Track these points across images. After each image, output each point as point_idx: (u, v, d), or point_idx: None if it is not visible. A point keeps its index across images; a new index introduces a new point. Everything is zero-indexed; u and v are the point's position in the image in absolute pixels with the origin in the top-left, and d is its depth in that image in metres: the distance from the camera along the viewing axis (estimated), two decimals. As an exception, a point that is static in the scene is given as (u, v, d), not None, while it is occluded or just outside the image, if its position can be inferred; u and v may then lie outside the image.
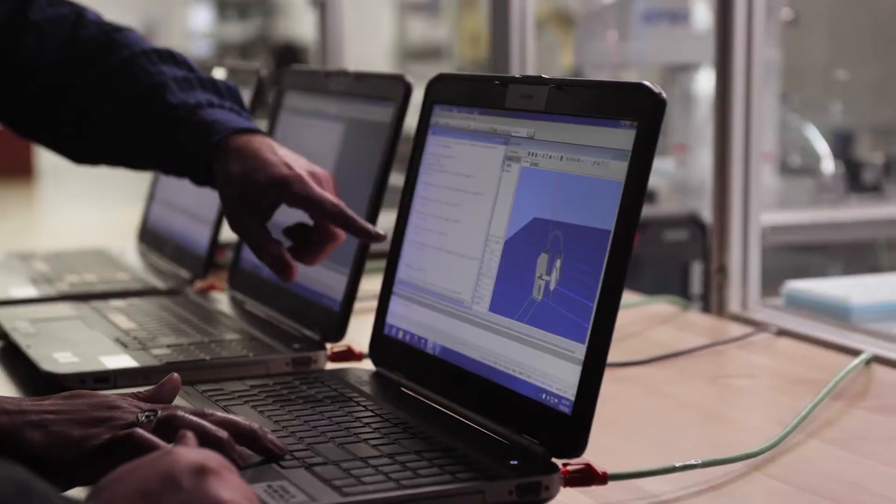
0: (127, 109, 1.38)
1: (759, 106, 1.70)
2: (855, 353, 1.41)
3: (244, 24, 12.93)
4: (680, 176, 2.87)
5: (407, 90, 1.36)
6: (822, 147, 2.93)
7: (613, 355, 1.42)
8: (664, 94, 0.99)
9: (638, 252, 2.60)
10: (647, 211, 2.72)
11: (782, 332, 1.57)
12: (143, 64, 1.39)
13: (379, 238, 1.26)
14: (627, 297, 1.77)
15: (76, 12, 1.43)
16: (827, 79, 4.15)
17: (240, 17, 13.06)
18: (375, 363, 1.27)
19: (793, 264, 2.67)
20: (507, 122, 1.15)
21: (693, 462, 1.04)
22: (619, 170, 1.01)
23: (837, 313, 1.61)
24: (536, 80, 1.13)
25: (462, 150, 1.21)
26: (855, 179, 2.78)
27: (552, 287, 1.05)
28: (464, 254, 1.16)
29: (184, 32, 13.65)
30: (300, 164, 1.28)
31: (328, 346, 1.37)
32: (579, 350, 1.01)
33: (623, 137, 1.01)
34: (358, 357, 1.36)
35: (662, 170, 3.18)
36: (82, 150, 1.45)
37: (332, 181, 1.30)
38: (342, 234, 1.29)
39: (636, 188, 0.99)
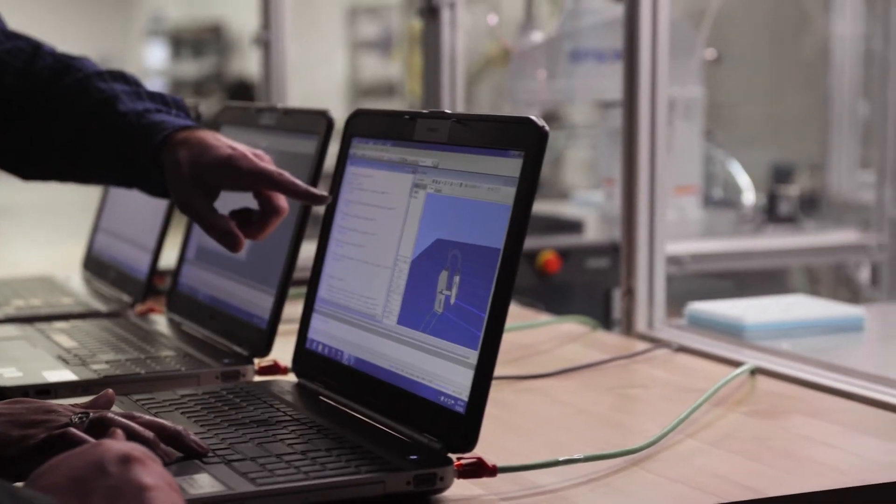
0: (80, 122, 1.49)
1: (663, 141, 1.83)
2: (751, 368, 1.53)
3: (199, 62, 13.04)
4: (608, 207, 3.00)
5: (329, 124, 1.48)
6: (744, 180, 3.07)
7: (521, 369, 1.55)
8: (547, 128, 1.12)
9: (564, 278, 2.74)
10: (573, 240, 2.85)
11: (682, 349, 1.70)
12: (96, 82, 1.50)
13: (324, 199, 1.36)
14: (540, 317, 1.90)
15: (33, 45, 1.54)
16: (749, 115, 4.31)
17: (194, 54, 13.18)
18: (298, 375, 1.38)
19: (713, 289, 2.80)
20: (415, 152, 1.27)
21: (576, 457, 1.16)
22: (508, 194, 1.13)
23: (733, 331, 1.74)
24: (440, 115, 1.25)
25: (376, 178, 1.33)
26: (773, 211, 2.92)
27: (451, 301, 1.16)
28: (376, 273, 1.28)
29: (139, 70, 13.74)
30: (242, 146, 1.40)
31: (256, 360, 1.48)
32: (473, 356, 1.12)
33: (512, 166, 1.13)
34: (283, 371, 1.47)
35: (592, 201, 3.32)
36: (34, 166, 1.55)
37: (271, 160, 1.41)
38: (285, 207, 1.39)
39: (522, 210, 1.11)
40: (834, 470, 1.17)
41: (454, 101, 2.47)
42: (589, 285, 2.66)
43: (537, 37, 2.95)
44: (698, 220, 2.99)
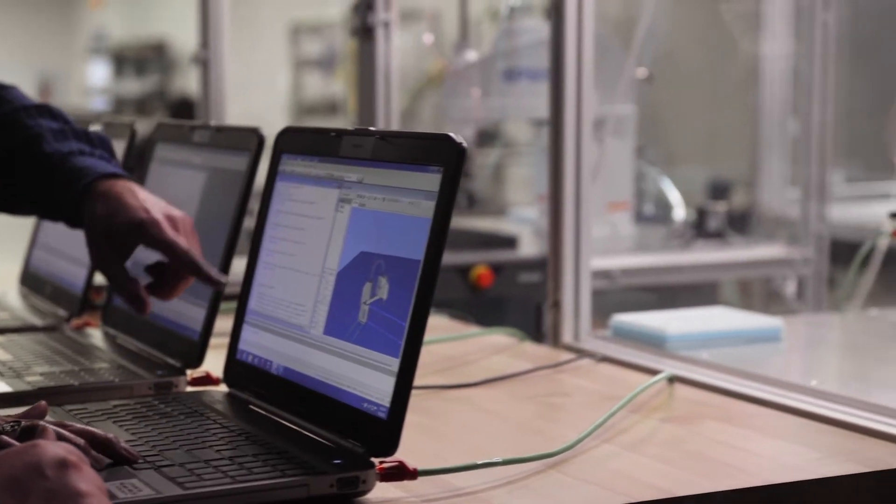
0: (7, 158, 1.52)
1: (589, 158, 1.89)
2: (669, 377, 1.59)
3: (141, 80, 13.01)
4: (542, 223, 3.06)
5: (260, 141, 1.52)
6: (675, 197, 3.14)
7: (448, 379, 1.60)
8: (465, 144, 1.16)
9: (496, 292, 2.79)
10: (507, 255, 2.91)
11: (605, 359, 1.75)
12: (22, 118, 1.53)
13: (220, 285, 1.40)
14: (470, 329, 1.94)
15: None
16: (687, 132, 4.40)
17: (137, 73, 13.14)
18: (229, 385, 1.42)
19: (645, 302, 2.86)
20: (341, 168, 1.32)
21: (495, 460, 1.21)
22: (428, 208, 1.18)
23: (655, 342, 1.79)
24: (364, 132, 1.29)
25: (304, 193, 1.37)
26: (702, 227, 2.99)
27: (374, 311, 1.21)
28: (304, 283, 1.32)
29: (81, 88, 13.69)
30: (159, 208, 1.42)
31: (188, 372, 1.52)
32: (394, 364, 1.17)
33: (432, 180, 1.18)
34: (215, 382, 1.50)
35: (526, 217, 3.38)
36: None
37: (189, 224, 1.44)
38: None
39: (441, 223, 1.16)
40: (741, 471, 1.23)
41: (388, 119, 2.52)
42: (521, 299, 2.72)
43: (472, 56, 3.01)
44: (630, 236, 3.05)
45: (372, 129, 1.29)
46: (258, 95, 8.74)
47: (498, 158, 4.97)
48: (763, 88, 3.35)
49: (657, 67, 3.84)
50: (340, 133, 1.33)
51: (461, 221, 3.33)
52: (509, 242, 3.00)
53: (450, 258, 2.84)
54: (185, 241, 1.41)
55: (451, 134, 1.17)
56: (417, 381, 1.56)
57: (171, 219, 1.42)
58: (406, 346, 1.16)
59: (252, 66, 8.77)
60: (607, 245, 2.98)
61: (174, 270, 1.42)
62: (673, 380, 1.59)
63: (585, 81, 1.87)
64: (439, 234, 1.16)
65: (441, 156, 1.17)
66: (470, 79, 2.91)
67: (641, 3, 2.90)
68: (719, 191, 3.96)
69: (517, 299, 2.73)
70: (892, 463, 1.25)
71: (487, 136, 3.27)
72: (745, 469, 1.23)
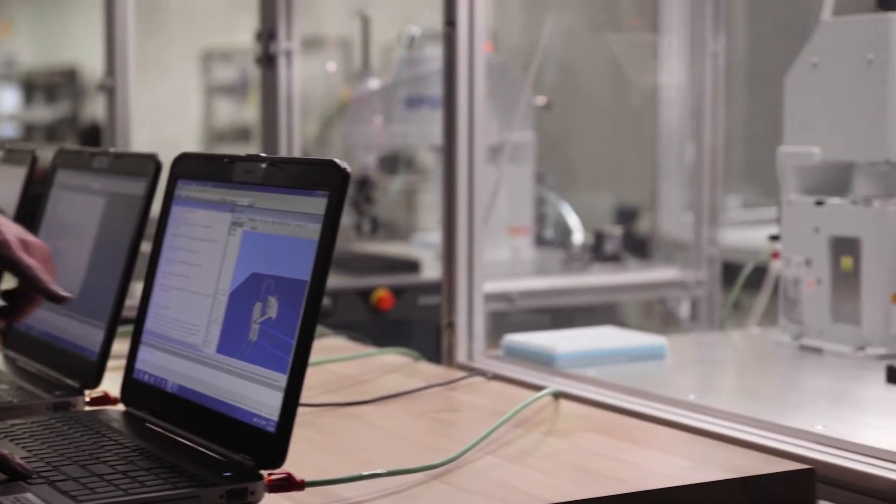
0: None
1: (482, 184, 1.95)
2: (553, 392, 1.65)
3: (52, 107, 12.90)
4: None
5: (157, 167, 1.57)
6: (574, 221, 3.23)
7: (343, 397, 1.65)
8: (349, 169, 1.22)
9: (397, 315, 2.85)
10: (408, 279, 2.97)
11: (496, 377, 1.81)
12: None
13: (63, 299, 1.40)
14: (366, 350, 2.00)
15: None
16: (596, 158, 4.50)
17: (47, 99, 13.03)
18: (126, 404, 1.46)
19: (543, 324, 2.93)
20: (233, 193, 1.37)
21: (379, 471, 1.26)
22: (314, 231, 1.23)
23: (545, 360, 1.86)
24: (256, 158, 1.35)
25: (199, 217, 1.42)
26: (599, 250, 3.07)
27: (264, 329, 1.26)
28: (199, 304, 1.36)
29: (-10, 115, 13.54)
30: (13, 231, 1.43)
31: (87, 392, 1.56)
32: (282, 379, 1.22)
33: (318, 204, 1.24)
34: (113, 401, 1.54)
35: (429, 242, 3.44)
36: None
37: (44, 251, 1.43)
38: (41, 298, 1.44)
39: (327, 245, 1.22)
40: (614, 479, 1.29)
41: (291, 145, 2.57)
42: (422, 321, 2.78)
43: (374, 84, 3.07)
44: (531, 259, 3.13)
45: (263, 155, 1.34)
46: (170, 122, 8.74)
47: (407, 184, 5.04)
48: (660, 116, 3.45)
49: (561, 95, 3.93)
50: (233, 159, 1.38)
51: (365, 246, 3.38)
52: (412, 266, 3.06)
53: (351, 282, 2.90)
54: (33, 261, 1.41)
55: (336, 160, 1.22)
56: (313, 400, 1.63)
57: (23, 242, 1.43)
58: (293, 362, 1.21)
59: (163, 93, 8.76)
60: (508, 268, 3.05)
61: (23, 292, 1.44)
62: (558, 396, 1.65)
63: (477, 109, 1.94)
64: (325, 255, 1.21)
65: (326, 181, 1.23)
66: (373, 106, 2.97)
67: (540, 32, 2.99)
68: (625, 216, 4.06)
69: (418, 321, 2.79)
70: (758, 469, 1.32)
71: (400, 163, 3.34)
72: (619, 477, 1.30)
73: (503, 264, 3.08)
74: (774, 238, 2.07)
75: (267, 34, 2.65)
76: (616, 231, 3.06)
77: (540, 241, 3.23)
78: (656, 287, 3.03)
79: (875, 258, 1.88)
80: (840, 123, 1.92)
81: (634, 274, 3.03)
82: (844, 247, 1.92)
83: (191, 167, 1.46)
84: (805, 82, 1.97)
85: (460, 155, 1.94)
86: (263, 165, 1.33)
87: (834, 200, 1.94)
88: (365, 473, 1.25)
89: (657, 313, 3.18)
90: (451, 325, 1.96)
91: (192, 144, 9.84)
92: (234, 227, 1.35)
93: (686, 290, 2.96)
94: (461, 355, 1.95)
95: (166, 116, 8.61)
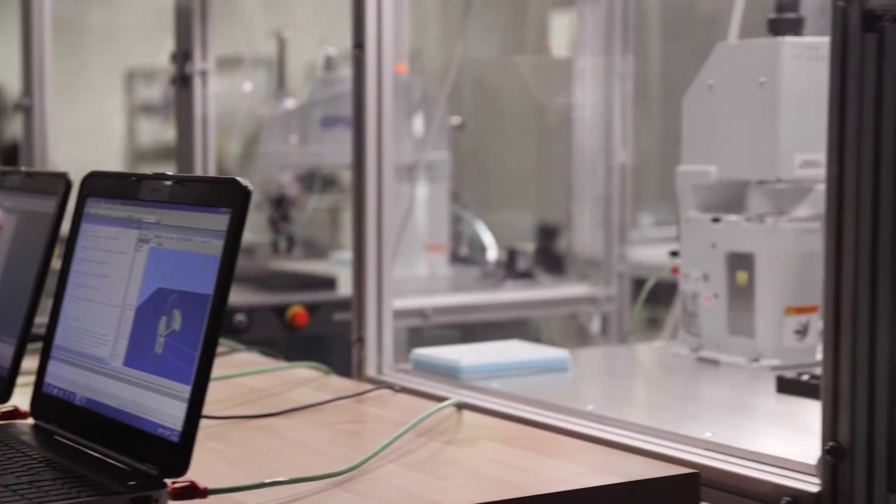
0: None
1: (390, 203, 2.00)
2: (456, 403, 1.70)
3: (-28, 125, 12.77)
4: (361, 265, 3.17)
5: (67, 186, 1.60)
6: (489, 239, 3.29)
7: (251, 410, 1.68)
8: (251, 187, 1.27)
9: (312, 331, 2.89)
10: (324, 296, 3.01)
11: (403, 389, 1.86)
12: None
13: None
14: (273, 363, 2.04)
15: None
16: (511, 177, 4.56)
17: (-33, 118, 12.90)
18: (35, 417, 1.49)
19: (456, 339, 2.99)
20: (140, 210, 1.41)
21: (281, 479, 1.30)
22: (217, 247, 1.27)
23: (451, 373, 1.91)
24: (162, 177, 1.39)
25: (107, 234, 1.45)
26: (511, 267, 3.14)
27: (169, 342, 1.30)
28: (107, 317, 1.40)
29: None
30: None
31: (-3, 407, 1.58)
32: (186, 390, 1.26)
33: (221, 221, 1.28)
34: (23, 416, 1.57)
35: (346, 259, 3.48)
36: None
37: None
38: None
39: (229, 260, 1.26)
40: (509, 485, 1.35)
41: (206, 164, 2.60)
42: (336, 337, 2.82)
43: (291, 103, 3.12)
44: (446, 276, 3.18)
45: (168, 174, 1.38)
46: (94, 141, 8.69)
47: (332, 203, 5.07)
48: (574, 137, 3.52)
49: (483, 115, 4.00)
50: (140, 178, 1.42)
51: (282, 264, 3.42)
52: (329, 283, 3.11)
53: (267, 298, 2.93)
54: None
55: (238, 178, 1.27)
56: (223, 412, 1.66)
57: None
58: (197, 373, 1.25)
59: (87, 113, 8.72)
60: (425, 285, 3.10)
61: None
62: (461, 407, 1.70)
63: (385, 129, 1.99)
64: (227, 269, 1.26)
65: (229, 198, 1.27)
66: (289, 125, 3.02)
67: (456, 52, 3.05)
68: (546, 233, 4.12)
69: (333, 337, 2.84)
70: (646, 474, 1.38)
71: (317, 181, 3.38)
72: (513, 483, 1.35)
73: (420, 281, 3.13)
74: (674, 254, 2.14)
75: (182, 55, 2.69)
76: (528, 248, 3.12)
77: (456, 259, 3.29)
78: (568, 303, 3.09)
79: (768, 273, 1.95)
80: (735, 143, 1.99)
81: (546, 290, 3.09)
82: (739, 262, 1.99)
83: (100, 186, 1.50)
84: (702, 103, 2.04)
85: (369, 174, 1.99)
86: (169, 184, 1.37)
87: (730, 217, 2.01)
88: (267, 481, 1.29)
89: (569, 328, 3.25)
90: (361, 340, 2.01)
91: (115, 164, 9.78)
92: (141, 244, 1.39)
93: (596, 306, 3.03)
94: (370, 369, 2.00)
95: (91, 136, 8.57)
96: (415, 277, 3.14)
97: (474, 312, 2.94)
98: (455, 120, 3.24)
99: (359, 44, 1.95)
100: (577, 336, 3.25)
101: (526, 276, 3.07)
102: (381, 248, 2.00)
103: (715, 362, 2.01)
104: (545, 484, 1.34)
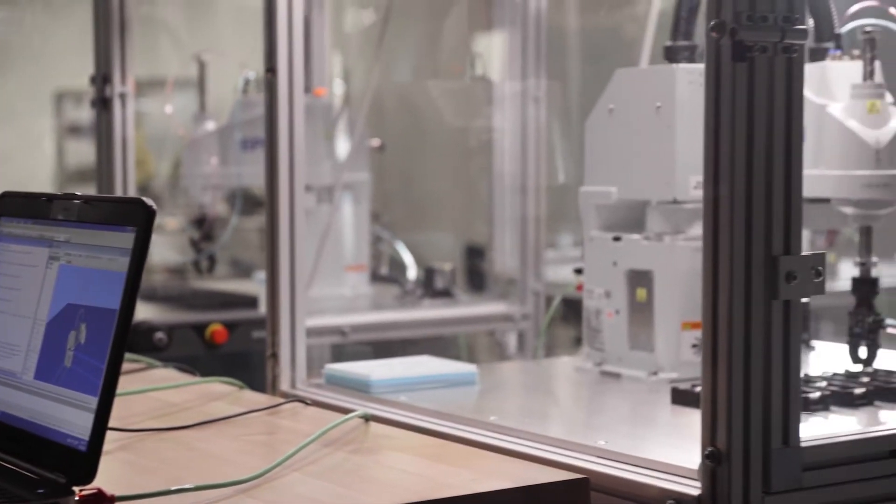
0: None
1: (302, 223, 2.06)
2: (362, 415, 1.77)
3: None
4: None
5: (-15, 206, 1.65)
6: (408, 258, 3.36)
7: (166, 423, 1.74)
8: (154, 206, 1.33)
9: (231, 349, 2.94)
10: (244, 314, 3.07)
11: (315, 403, 1.92)
12: None
13: None
14: (189, 378, 2.09)
15: None
16: (429, 199, 4.64)
17: None
18: (-51, 431, 1.53)
19: (375, 355, 3.05)
20: (51, 229, 1.46)
21: (187, 486, 1.36)
22: (123, 263, 1.33)
23: (361, 387, 1.98)
24: (72, 197, 1.45)
25: (20, 252, 1.51)
26: (430, 286, 3.20)
27: (77, 356, 1.35)
28: (17, 335, 1.45)
29: None
30: None
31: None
32: (93, 402, 1.31)
33: (126, 239, 1.34)
34: (-61, 429, 1.61)
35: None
36: None
37: None
38: None
39: (134, 276, 1.32)
40: (406, 490, 1.41)
41: (126, 185, 2.66)
42: (256, 354, 2.87)
43: (210, 125, 3.17)
44: (367, 295, 3.25)
45: (78, 193, 1.44)
46: (25, 163, 8.67)
47: (262, 223, 5.10)
48: (494, 158, 3.60)
49: (406, 138, 4.07)
50: (51, 198, 1.48)
51: (204, 283, 3.47)
52: (250, 302, 3.16)
53: (187, 317, 2.98)
54: None
55: (143, 198, 1.33)
56: (137, 425, 1.72)
57: None
58: (104, 385, 1.31)
59: (16, 134, 8.68)
60: (345, 303, 3.16)
61: None
62: (368, 419, 1.77)
63: (297, 151, 2.05)
64: (132, 285, 1.32)
65: (134, 217, 1.33)
66: (209, 147, 3.08)
67: (376, 75, 3.12)
68: (474, 253, 4.21)
69: (252, 354, 2.88)
70: (538, 479, 1.45)
71: (237, 202, 3.43)
72: (410, 488, 1.42)
73: (341, 299, 3.20)
74: (578, 272, 2.22)
75: (101, 78, 2.74)
76: (446, 267, 3.19)
77: (376, 278, 3.35)
78: (486, 320, 3.17)
79: (666, 290, 2.04)
80: (634, 165, 2.08)
81: (464, 308, 3.17)
82: (639, 279, 2.07)
83: (13, 206, 1.55)
84: (603, 126, 2.13)
85: (281, 195, 2.05)
86: (78, 203, 1.42)
87: (630, 236, 2.10)
88: (173, 488, 1.35)
89: (487, 345, 3.32)
90: (275, 356, 2.07)
91: (46, 185, 9.73)
92: (52, 261, 1.44)
93: (513, 324, 3.11)
94: (285, 384, 2.06)
95: (22, 157, 8.54)
96: (336, 296, 3.20)
97: (393, 330, 3.01)
98: (375, 142, 3.31)
99: (271, 69, 2.02)
100: (494, 353, 3.33)
101: (444, 294, 3.14)
102: (294, 267, 2.07)
103: (617, 376, 2.09)
104: (439, 489, 1.41)
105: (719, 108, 1.39)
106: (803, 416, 1.47)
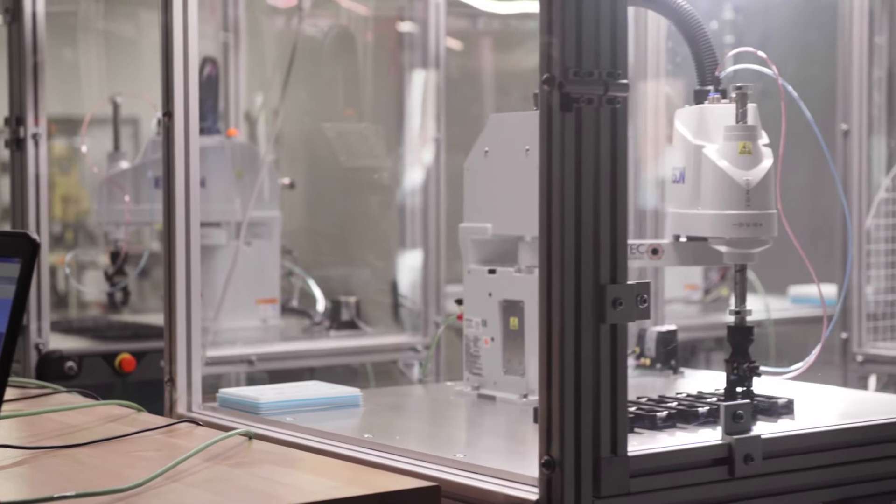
0: None
1: (198, 260, 2.21)
2: (245, 434, 1.91)
3: None
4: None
5: None
6: (318, 292, 3.52)
7: (63, 442, 1.87)
8: (39, 239, 1.48)
9: (140, 376, 3.08)
10: (153, 344, 3.20)
11: (206, 423, 2.06)
12: None
13: None
14: (87, 400, 2.22)
15: None
16: (350, 233, 4.79)
17: None
18: None
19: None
20: (-50, 261, 1.60)
21: (68, 494, 1.50)
22: (10, 291, 1.48)
23: (251, 409, 2.12)
24: (-31, 232, 1.59)
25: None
26: (336, 317, 3.36)
27: (-30, 376, 1.49)
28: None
29: None
30: None
31: None
32: (-18, 417, 1.46)
33: (13, 269, 1.49)
34: None
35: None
36: None
37: None
38: None
39: (20, 302, 1.47)
40: (270, 496, 1.56)
41: (40, 222, 2.80)
42: (162, 382, 3.01)
43: (125, 164, 3.32)
44: (277, 326, 3.40)
45: (-26, 229, 1.58)
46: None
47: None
48: (399, 195, 3.77)
49: (317, 176, 4.21)
50: (-50, 232, 1.62)
51: (115, 316, 3.61)
52: (160, 333, 3.29)
53: (98, 347, 3.13)
54: None
55: (28, 232, 1.48)
56: (34, 444, 1.85)
57: None
58: (-8, 402, 1.45)
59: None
60: (256, 335, 3.32)
61: None
62: (252, 437, 1.91)
63: (193, 192, 2.20)
64: (18, 310, 1.47)
65: (19, 249, 1.48)
66: (122, 185, 3.22)
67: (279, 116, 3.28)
68: (394, 286, 4.36)
69: (159, 382, 3.02)
70: (391, 486, 1.61)
71: (150, 238, 3.58)
72: (274, 495, 1.57)
73: (253, 331, 3.35)
74: (459, 302, 2.38)
75: (14, 119, 2.89)
76: (351, 300, 3.35)
77: (287, 310, 3.51)
78: (391, 350, 3.34)
79: (535, 318, 2.19)
80: (507, 203, 2.24)
81: (368, 339, 3.33)
82: (512, 309, 2.24)
83: (-83, 240, 1.69)
84: (479, 167, 2.30)
85: (178, 233, 2.20)
86: (-27, 238, 1.57)
87: (504, 269, 2.26)
88: (56, 495, 1.49)
89: (391, 373, 3.48)
90: (172, 381, 2.21)
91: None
92: (-51, 291, 1.58)
93: (416, 353, 3.28)
94: (181, 407, 2.20)
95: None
96: (248, 327, 3.35)
97: (299, 359, 3.17)
98: (285, 180, 3.47)
99: (167, 112, 2.17)
100: (403, 381, 3.48)
101: (349, 325, 3.30)
102: (190, 298, 2.21)
103: (492, 398, 2.25)
104: (300, 495, 1.56)
105: (551, 152, 1.56)
106: (651, 432, 1.63)
